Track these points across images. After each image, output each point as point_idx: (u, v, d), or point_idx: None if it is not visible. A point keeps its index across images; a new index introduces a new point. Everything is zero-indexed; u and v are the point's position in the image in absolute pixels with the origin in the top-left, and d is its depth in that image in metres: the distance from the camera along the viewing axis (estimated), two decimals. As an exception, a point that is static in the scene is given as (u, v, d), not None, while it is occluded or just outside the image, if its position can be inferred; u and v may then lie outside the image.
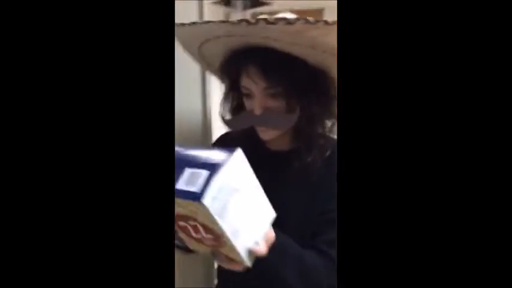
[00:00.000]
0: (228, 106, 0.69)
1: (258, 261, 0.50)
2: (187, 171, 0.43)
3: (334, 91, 0.61)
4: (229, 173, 0.43)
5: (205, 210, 0.41)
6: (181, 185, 0.42)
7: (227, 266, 0.51)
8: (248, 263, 0.49)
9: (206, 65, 0.74)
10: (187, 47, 0.69)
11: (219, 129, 1.02)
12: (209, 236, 0.45)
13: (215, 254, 0.49)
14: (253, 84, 0.59)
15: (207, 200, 0.40)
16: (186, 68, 0.83)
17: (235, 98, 0.68)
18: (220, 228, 0.43)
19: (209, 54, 0.68)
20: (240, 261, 0.49)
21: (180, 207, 0.42)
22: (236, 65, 0.62)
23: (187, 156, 0.45)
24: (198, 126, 0.98)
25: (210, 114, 1.00)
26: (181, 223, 0.46)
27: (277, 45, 0.54)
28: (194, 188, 0.41)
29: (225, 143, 0.76)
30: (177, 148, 0.47)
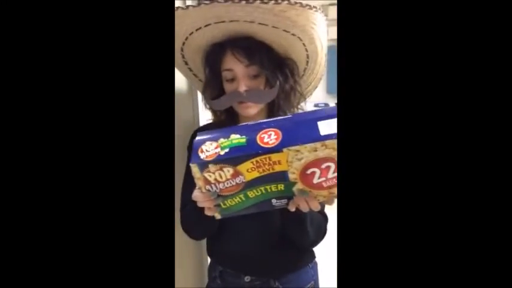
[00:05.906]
0: (209, 94, 0.78)
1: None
2: (322, 123, 0.51)
3: (298, 72, 0.77)
4: None
5: None
6: (325, 131, 0.50)
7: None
8: None
9: (186, 68, 0.83)
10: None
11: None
12: (335, 174, 0.54)
13: (332, 193, 0.58)
14: (236, 63, 0.70)
15: None
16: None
17: (216, 85, 0.77)
18: None
19: (190, 51, 0.77)
20: None
21: (325, 150, 0.50)
22: (219, 51, 0.72)
23: (309, 115, 0.54)
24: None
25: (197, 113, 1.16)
26: (310, 170, 0.54)
27: (256, 30, 0.68)
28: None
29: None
30: (283, 118, 0.56)
